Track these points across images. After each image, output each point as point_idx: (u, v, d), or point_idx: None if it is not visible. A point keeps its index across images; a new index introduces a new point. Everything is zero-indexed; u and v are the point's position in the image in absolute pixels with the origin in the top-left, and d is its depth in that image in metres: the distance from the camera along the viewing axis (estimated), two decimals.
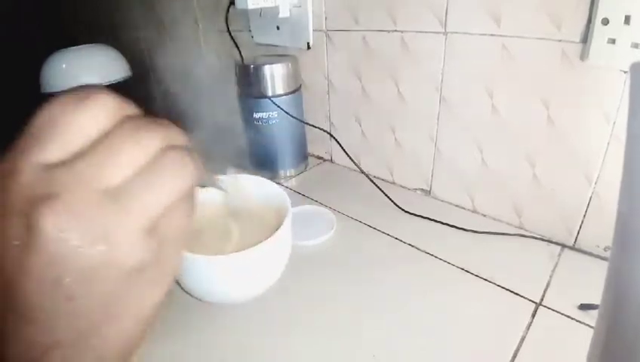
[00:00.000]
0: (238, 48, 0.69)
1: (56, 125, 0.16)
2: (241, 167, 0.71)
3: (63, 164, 0.15)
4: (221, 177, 0.37)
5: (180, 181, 0.17)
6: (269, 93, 0.62)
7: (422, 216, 0.54)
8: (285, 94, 0.63)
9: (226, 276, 0.36)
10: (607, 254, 0.43)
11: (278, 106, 0.62)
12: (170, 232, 0.17)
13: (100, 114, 0.16)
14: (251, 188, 0.44)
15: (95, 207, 0.15)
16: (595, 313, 0.36)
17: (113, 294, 0.16)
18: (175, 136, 0.18)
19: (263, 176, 0.67)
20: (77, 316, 0.16)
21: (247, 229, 0.41)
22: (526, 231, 0.51)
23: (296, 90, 0.65)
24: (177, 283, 0.38)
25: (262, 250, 0.34)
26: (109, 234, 0.15)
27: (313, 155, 0.75)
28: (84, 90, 0.16)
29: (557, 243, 0.48)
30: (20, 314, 0.15)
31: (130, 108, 0.18)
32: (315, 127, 0.67)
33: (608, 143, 0.41)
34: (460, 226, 0.51)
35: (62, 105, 0.16)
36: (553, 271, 0.44)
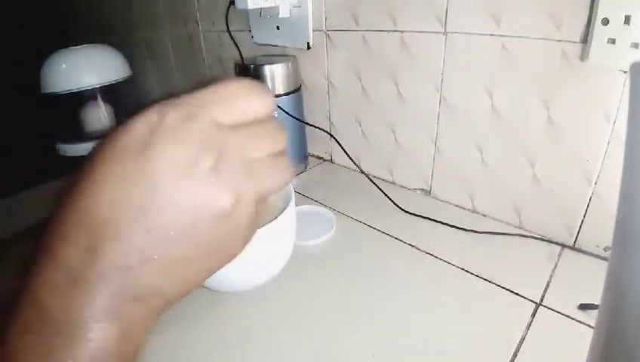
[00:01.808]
0: (238, 48, 0.69)
1: (237, 97, 0.21)
2: None
3: (228, 127, 0.20)
4: None
5: (286, 177, 0.23)
6: None
7: (422, 216, 0.54)
8: (285, 94, 0.63)
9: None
10: (607, 254, 0.43)
11: (279, 106, 0.62)
12: (264, 211, 0.24)
13: (267, 105, 0.23)
14: None
15: (240, 169, 0.20)
16: (595, 313, 0.36)
17: (214, 236, 0.20)
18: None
19: None
20: (163, 245, 0.19)
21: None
22: (526, 230, 0.51)
23: (296, 90, 0.65)
24: None
25: (269, 231, 0.35)
26: (239, 193, 0.20)
27: (313, 155, 0.75)
28: (259, 84, 0.22)
29: (557, 243, 0.48)
30: (148, 227, 0.19)
31: (275, 107, 0.24)
32: (315, 127, 0.67)
33: (608, 143, 0.41)
34: (460, 226, 0.51)
35: (245, 87, 0.22)
36: (553, 271, 0.44)
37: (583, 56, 0.40)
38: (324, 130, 0.68)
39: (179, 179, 0.19)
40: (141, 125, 0.20)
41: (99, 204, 0.19)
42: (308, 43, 0.65)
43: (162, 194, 0.19)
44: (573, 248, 0.47)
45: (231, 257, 0.23)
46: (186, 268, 0.21)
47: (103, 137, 0.20)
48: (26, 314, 0.18)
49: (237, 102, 0.21)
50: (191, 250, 0.20)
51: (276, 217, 0.36)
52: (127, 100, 0.93)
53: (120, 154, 0.19)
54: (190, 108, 0.20)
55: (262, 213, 0.23)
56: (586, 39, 0.39)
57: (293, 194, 0.40)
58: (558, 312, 0.39)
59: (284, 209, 0.37)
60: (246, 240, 0.23)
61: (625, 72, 0.38)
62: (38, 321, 0.18)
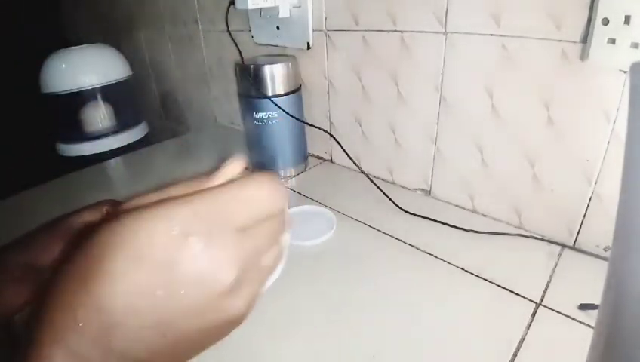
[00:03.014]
0: (238, 48, 0.69)
1: (254, 200, 0.21)
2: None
3: (244, 231, 0.20)
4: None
5: (279, 260, 0.24)
6: (269, 93, 0.62)
7: (422, 216, 0.54)
8: (285, 94, 0.63)
9: None
10: (607, 254, 0.43)
11: (278, 106, 0.62)
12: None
13: (281, 203, 0.22)
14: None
15: (253, 272, 0.21)
16: (595, 313, 0.36)
17: (216, 333, 0.21)
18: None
19: None
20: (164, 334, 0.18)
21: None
22: (526, 231, 0.51)
23: (296, 90, 0.65)
24: None
25: None
26: (251, 295, 0.20)
27: (313, 155, 0.75)
28: (275, 180, 0.22)
29: (557, 243, 0.48)
30: (162, 330, 0.18)
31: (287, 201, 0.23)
32: (315, 127, 0.67)
33: (608, 143, 0.41)
34: (460, 226, 0.51)
35: (264, 189, 0.21)
36: (553, 271, 0.44)
37: (583, 56, 0.40)
38: (324, 130, 0.68)
39: (200, 276, 0.18)
40: (163, 239, 0.18)
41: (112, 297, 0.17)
42: (308, 43, 0.65)
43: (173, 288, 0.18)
44: (573, 248, 0.47)
45: (217, 340, 0.22)
46: (173, 356, 0.19)
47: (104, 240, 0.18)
48: None
49: (254, 205, 0.21)
50: (185, 345, 0.19)
51: None
52: (127, 100, 0.93)
53: (143, 267, 0.18)
54: (212, 225, 0.19)
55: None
56: (586, 39, 0.39)
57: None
58: (558, 312, 0.39)
59: None
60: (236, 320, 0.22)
61: (625, 72, 0.38)
62: None
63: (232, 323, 0.21)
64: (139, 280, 0.17)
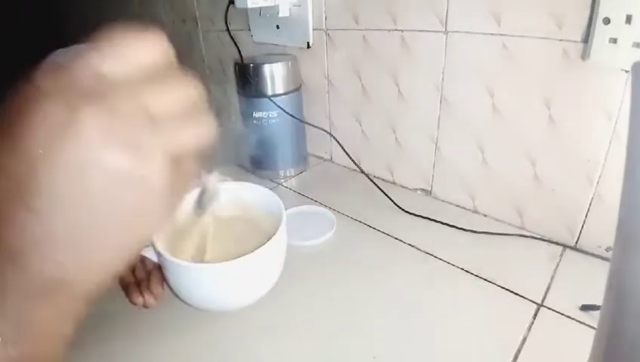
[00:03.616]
0: (237, 48, 0.69)
1: (117, 45, 0.18)
2: (242, 167, 0.71)
3: (114, 79, 0.17)
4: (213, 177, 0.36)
5: (203, 132, 0.20)
6: (269, 93, 0.62)
7: (422, 216, 0.54)
8: (285, 94, 0.63)
9: (220, 283, 0.35)
10: (609, 255, 0.43)
11: (278, 106, 0.62)
12: (184, 171, 0.20)
13: (155, 49, 0.19)
14: (246, 194, 0.43)
15: (137, 121, 0.17)
16: (596, 314, 0.35)
17: (120, 202, 0.18)
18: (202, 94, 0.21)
19: (262, 176, 0.68)
20: (78, 212, 0.17)
21: (242, 236, 0.40)
22: (527, 231, 0.50)
23: (296, 90, 0.64)
24: (173, 292, 0.37)
25: (256, 258, 0.34)
26: (141, 148, 0.17)
27: (313, 155, 0.75)
28: (141, 28, 0.19)
29: (558, 244, 0.48)
30: (26, 200, 0.16)
31: (173, 54, 0.20)
32: (315, 127, 0.67)
33: (610, 143, 0.41)
34: (461, 226, 0.51)
35: (122, 33, 0.18)
36: (555, 271, 0.44)
37: (585, 55, 0.40)
38: (324, 130, 0.67)
39: (57, 142, 0.16)
40: (14, 97, 0.17)
41: None
42: (308, 42, 0.65)
43: (41, 162, 0.16)
44: (574, 248, 0.47)
45: (144, 232, 0.20)
46: (88, 245, 0.18)
47: None
48: None
49: (121, 50, 0.18)
50: (88, 220, 0.17)
51: (270, 237, 0.35)
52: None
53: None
54: (68, 60, 0.17)
55: (181, 181, 0.20)
56: (587, 38, 0.39)
57: (284, 218, 0.38)
58: (559, 313, 0.38)
59: (274, 233, 0.36)
60: (161, 210, 0.20)
61: (626, 71, 0.38)
62: None
63: (136, 191, 0.18)
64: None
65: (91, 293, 0.19)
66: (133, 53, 0.18)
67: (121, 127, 0.17)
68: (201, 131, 0.20)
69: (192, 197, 0.34)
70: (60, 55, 0.18)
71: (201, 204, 0.34)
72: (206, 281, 0.35)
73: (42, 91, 0.17)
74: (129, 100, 0.17)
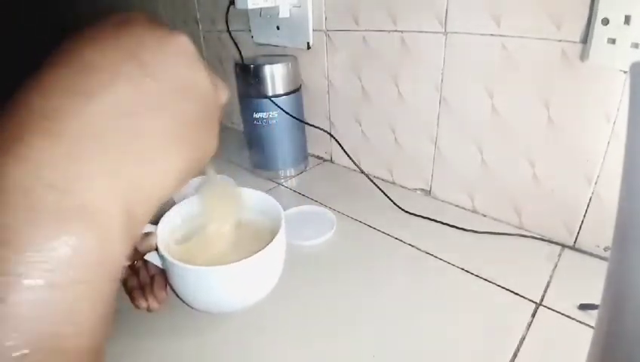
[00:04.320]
0: (238, 48, 0.69)
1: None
2: (242, 167, 0.71)
3: None
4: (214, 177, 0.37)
5: (227, 88, 0.28)
6: (269, 93, 0.62)
7: (422, 216, 0.54)
8: (285, 94, 0.63)
9: (226, 286, 0.35)
10: (607, 254, 0.43)
11: (278, 106, 0.62)
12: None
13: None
14: (245, 199, 0.43)
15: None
16: (595, 313, 0.36)
17: (196, 113, 0.22)
18: None
19: (262, 176, 0.68)
20: None
21: (241, 241, 0.40)
22: (526, 231, 0.51)
23: (296, 90, 0.65)
24: (177, 295, 0.38)
25: (254, 262, 0.34)
26: (212, 77, 0.23)
27: (313, 155, 0.75)
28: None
29: (557, 243, 0.48)
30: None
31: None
32: (315, 127, 0.67)
33: (608, 143, 0.41)
34: (460, 226, 0.51)
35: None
36: (553, 271, 0.44)
37: (583, 56, 0.40)
38: (324, 130, 0.68)
39: (162, 43, 0.20)
40: (113, 17, 0.21)
41: (79, 52, 0.18)
42: (308, 43, 0.65)
43: (149, 52, 0.19)
44: (573, 248, 0.47)
45: (209, 147, 0.23)
46: (179, 140, 0.20)
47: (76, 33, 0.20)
48: None
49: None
50: (185, 112, 0.20)
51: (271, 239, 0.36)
52: None
53: (99, 29, 0.20)
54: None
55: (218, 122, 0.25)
56: (586, 39, 0.39)
57: (284, 223, 0.39)
58: (558, 312, 0.39)
59: (273, 235, 0.37)
60: (217, 139, 0.24)
61: (625, 72, 0.38)
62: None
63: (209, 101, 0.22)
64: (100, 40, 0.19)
65: (157, 201, 0.19)
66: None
67: (201, 59, 0.22)
68: (225, 87, 0.26)
69: (192, 184, 0.34)
70: None
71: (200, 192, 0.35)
72: (213, 284, 0.35)
73: (140, 17, 0.21)
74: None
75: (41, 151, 0.15)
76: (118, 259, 0.17)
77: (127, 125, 0.17)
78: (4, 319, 0.13)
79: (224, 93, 0.25)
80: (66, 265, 0.14)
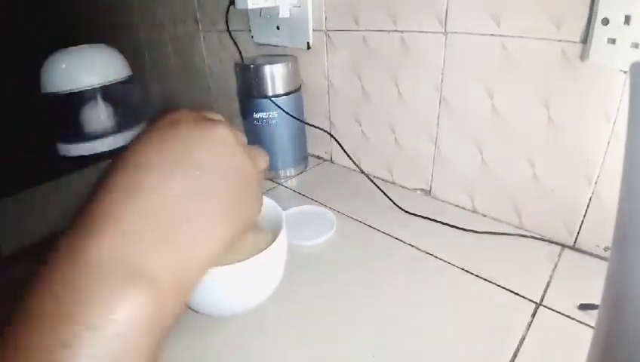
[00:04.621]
0: (238, 48, 0.69)
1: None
2: None
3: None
4: None
5: (265, 157, 0.32)
6: (269, 93, 0.62)
7: (422, 216, 0.54)
8: (285, 94, 0.63)
9: (221, 289, 0.35)
10: (607, 254, 0.43)
11: (278, 106, 0.62)
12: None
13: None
14: None
15: (243, 144, 0.28)
16: (595, 313, 0.36)
17: (239, 190, 0.26)
18: None
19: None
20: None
21: (242, 243, 0.40)
22: (526, 231, 0.51)
23: (296, 90, 0.65)
24: None
25: (255, 264, 0.34)
26: (250, 156, 0.27)
27: (313, 155, 0.75)
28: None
29: (557, 243, 0.48)
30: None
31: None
32: (315, 127, 0.67)
33: (608, 143, 0.41)
34: (460, 226, 0.51)
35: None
36: (553, 271, 0.44)
37: (583, 56, 0.40)
38: (324, 130, 0.68)
39: (207, 139, 0.24)
40: (166, 117, 0.25)
41: (142, 154, 0.23)
42: (308, 43, 0.65)
43: (197, 147, 0.24)
44: (573, 248, 0.47)
45: (251, 215, 0.28)
46: (227, 213, 0.24)
47: (135, 138, 0.25)
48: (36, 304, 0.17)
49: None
50: (226, 190, 0.24)
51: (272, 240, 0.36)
52: (127, 100, 0.93)
53: (157, 130, 0.24)
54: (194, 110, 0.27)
55: (261, 187, 0.29)
56: (586, 39, 0.39)
57: (285, 224, 0.39)
58: (558, 312, 0.39)
59: (275, 238, 0.36)
60: (260, 198, 0.29)
61: (625, 72, 0.38)
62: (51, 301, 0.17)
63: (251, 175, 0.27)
64: (156, 141, 0.24)
65: (203, 270, 0.24)
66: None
67: (236, 138, 0.26)
68: (263, 157, 0.30)
69: None
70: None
71: None
72: (213, 286, 0.34)
73: (187, 114, 0.26)
74: (240, 137, 0.27)
75: (112, 236, 0.19)
76: (169, 318, 0.21)
77: (180, 210, 0.22)
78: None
79: (263, 161, 0.30)
80: (127, 318, 0.18)
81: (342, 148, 0.64)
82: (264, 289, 0.38)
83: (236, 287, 0.35)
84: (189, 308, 0.38)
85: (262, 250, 0.34)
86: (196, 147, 0.24)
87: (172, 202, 0.22)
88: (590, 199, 0.44)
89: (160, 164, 0.22)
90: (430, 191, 0.60)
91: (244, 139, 0.29)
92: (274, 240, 0.36)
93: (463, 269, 0.45)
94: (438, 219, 0.53)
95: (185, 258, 0.22)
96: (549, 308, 0.39)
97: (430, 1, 0.50)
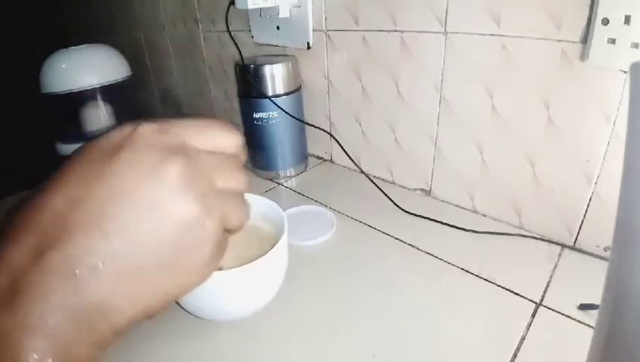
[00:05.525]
0: (238, 48, 0.69)
1: (208, 128, 0.24)
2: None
3: (197, 149, 0.22)
4: None
5: (244, 218, 0.26)
6: (269, 93, 0.62)
7: (422, 216, 0.54)
8: (285, 94, 0.63)
9: (222, 292, 0.34)
10: (607, 254, 0.43)
11: (278, 106, 0.62)
12: (224, 249, 0.25)
13: (235, 143, 0.25)
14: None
15: (207, 184, 0.22)
16: (595, 313, 0.36)
17: (179, 242, 0.21)
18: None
19: (263, 176, 0.68)
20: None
21: (243, 246, 0.40)
22: (526, 231, 0.51)
23: (296, 90, 0.65)
24: (177, 302, 0.37)
25: (256, 269, 0.33)
26: (206, 203, 0.21)
27: (313, 155, 0.75)
28: (230, 125, 0.25)
29: (557, 243, 0.48)
30: (101, 223, 0.19)
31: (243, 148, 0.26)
32: (315, 127, 0.67)
33: (608, 143, 0.41)
34: (460, 226, 0.51)
35: (217, 124, 0.25)
36: (553, 271, 0.44)
37: (583, 56, 0.40)
38: (324, 130, 0.68)
39: (143, 180, 0.20)
40: (115, 134, 0.21)
41: (55, 200, 0.19)
42: (308, 43, 0.65)
43: (125, 194, 0.19)
44: (573, 248, 0.47)
45: (188, 283, 0.23)
46: (138, 283, 0.20)
47: (79, 147, 0.21)
48: None
49: (207, 131, 0.23)
50: (146, 260, 0.20)
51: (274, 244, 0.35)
52: (127, 100, 0.93)
53: (89, 157, 0.20)
54: (164, 126, 0.22)
55: (223, 245, 0.24)
56: (586, 39, 0.39)
57: (286, 227, 0.38)
58: (558, 312, 0.39)
59: (274, 239, 0.36)
60: (207, 267, 0.23)
61: (625, 72, 0.38)
62: None
63: (201, 239, 0.22)
64: (83, 176, 0.20)
65: (126, 327, 0.21)
66: (214, 137, 0.24)
67: (195, 182, 0.21)
68: (243, 216, 0.25)
69: None
70: (158, 122, 0.22)
71: None
72: (219, 289, 0.34)
73: (141, 137, 0.21)
74: (204, 167, 0.22)
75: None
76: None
77: (119, 263, 0.19)
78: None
79: (239, 218, 0.25)
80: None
81: (342, 148, 0.64)
82: (266, 294, 0.38)
83: (237, 292, 0.35)
84: (189, 312, 0.37)
85: (262, 255, 0.34)
86: (127, 198, 0.19)
87: (106, 254, 0.19)
88: (590, 199, 0.44)
89: (72, 220, 0.18)
90: (430, 191, 0.60)
91: (238, 152, 0.25)
92: (275, 244, 0.36)
93: (462, 269, 0.45)
94: (438, 219, 0.53)
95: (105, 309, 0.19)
96: (549, 308, 0.39)
97: (430, 1, 0.50)
